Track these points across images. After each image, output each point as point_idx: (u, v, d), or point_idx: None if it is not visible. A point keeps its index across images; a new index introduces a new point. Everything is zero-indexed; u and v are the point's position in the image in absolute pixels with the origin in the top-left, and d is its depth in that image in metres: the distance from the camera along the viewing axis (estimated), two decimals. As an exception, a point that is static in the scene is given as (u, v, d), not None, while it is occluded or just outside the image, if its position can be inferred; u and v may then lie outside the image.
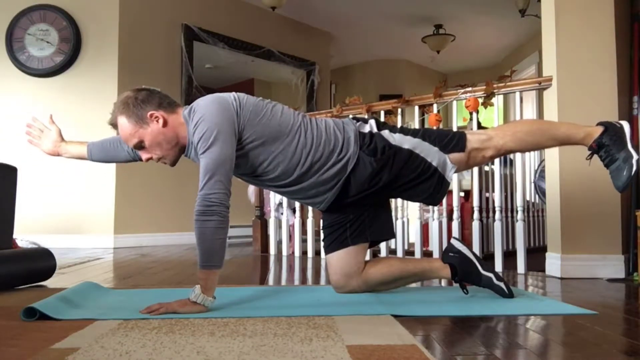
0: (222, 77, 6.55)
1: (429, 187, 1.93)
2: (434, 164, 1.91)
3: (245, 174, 1.92)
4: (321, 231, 2.30)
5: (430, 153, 1.92)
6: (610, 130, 1.91)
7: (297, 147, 1.85)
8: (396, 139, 1.93)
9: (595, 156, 1.95)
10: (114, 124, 1.87)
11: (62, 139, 2.22)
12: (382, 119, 3.59)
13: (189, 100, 5.18)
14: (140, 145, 1.85)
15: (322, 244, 2.40)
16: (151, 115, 1.81)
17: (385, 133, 1.95)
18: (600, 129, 1.92)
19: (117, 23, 4.81)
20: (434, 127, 3.34)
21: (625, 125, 1.92)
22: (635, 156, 1.87)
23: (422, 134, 1.96)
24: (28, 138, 2.25)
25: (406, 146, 1.91)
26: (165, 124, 1.82)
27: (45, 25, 4.74)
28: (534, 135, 1.98)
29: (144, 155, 1.88)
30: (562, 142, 2.02)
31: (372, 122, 1.99)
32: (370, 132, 1.94)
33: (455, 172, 1.96)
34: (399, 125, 3.53)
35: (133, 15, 4.95)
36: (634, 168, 1.86)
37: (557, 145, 2.09)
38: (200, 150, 1.73)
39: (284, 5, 5.68)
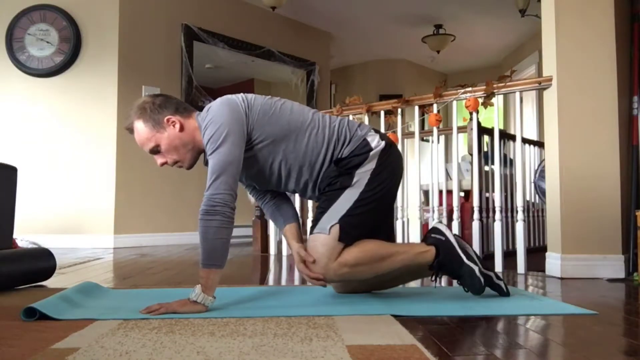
0: (222, 77, 6.54)
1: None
2: (331, 206, 1.86)
3: (258, 177, 1.91)
4: (312, 218, 2.29)
5: (340, 206, 1.85)
6: (442, 249, 1.92)
7: (307, 146, 1.86)
8: (362, 176, 1.87)
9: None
10: (130, 129, 1.88)
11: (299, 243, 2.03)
12: (382, 119, 3.59)
13: (189, 101, 5.19)
14: (156, 150, 1.86)
15: (309, 230, 2.39)
16: (168, 120, 1.83)
17: (369, 166, 1.88)
18: (433, 251, 1.92)
19: (117, 23, 4.81)
20: (436, 130, 3.34)
21: (450, 236, 1.94)
22: (475, 269, 1.91)
23: (360, 209, 1.85)
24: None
25: (353, 181, 1.86)
26: (182, 128, 1.84)
27: (45, 25, 4.74)
28: (372, 260, 1.87)
29: (159, 160, 1.89)
30: (403, 267, 1.94)
31: (382, 145, 1.92)
32: (369, 148, 1.90)
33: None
34: (399, 126, 3.53)
35: (133, 15, 4.95)
36: (482, 279, 1.91)
37: (399, 269, 1.96)
38: (209, 151, 1.74)
39: (284, 5, 5.68)
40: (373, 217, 1.92)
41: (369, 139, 1.92)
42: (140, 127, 1.85)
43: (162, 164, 1.90)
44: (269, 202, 2.11)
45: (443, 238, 1.96)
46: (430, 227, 2.10)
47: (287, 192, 2.11)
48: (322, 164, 1.89)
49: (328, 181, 1.90)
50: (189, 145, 1.86)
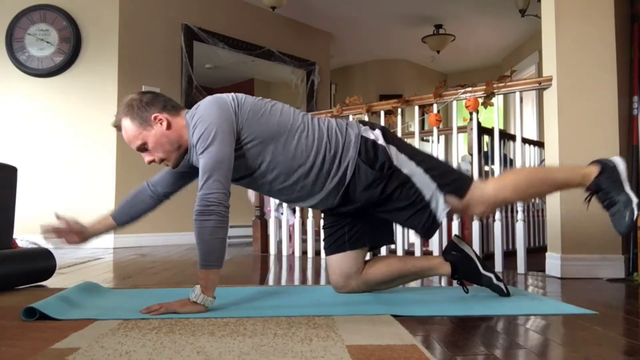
0: (222, 77, 6.55)
1: (418, 218, 1.88)
2: (427, 198, 1.86)
3: (244, 176, 1.89)
4: (321, 230, 2.30)
5: (427, 187, 1.86)
6: (607, 171, 1.90)
7: (296, 148, 1.84)
8: (399, 160, 1.88)
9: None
10: (118, 126, 1.87)
11: (82, 226, 2.06)
12: (382, 119, 3.59)
13: (188, 101, 5.19)
14: (143, 148, 1.85)
15: (322, 243, 2.40)
16: (155, 118, 1.82)
17: (393, 150, 1.89)
18: (596, 170, 1.91)
19: (117, 23, 4.81)
20: (436, 130, 3.34)
21: (620, 164, 1.92)
22: (635, 200, 1.88)
23: (427, 165, 1.89)
24: (52, 245, 2.10)
25: (405, 171, 1.87)
26: (169, 126, 1.83)
27: (45, 25, 4.74)
28: (534, 186, 1.96)
29: (147, 158, 1.88)
30: (561, 187, 2.02)
31: (379, 132, 1.92)
32: (375, 142, 1.89)
33: (448, 213, 1.90)
34: (399, 126, 3.53)
35: (133, 15, 4.95)
36: (635, 213, 1.87)
37: (558, 191, 2.09)
38: (199, 150, 1.73)
39: (284, 5, 5.68)
40: (435, 159, 1.99)
41: (365, 135, 1.91)
42: (128, 125, 1.84)
43: (150, 162, 1.89)
44: (147, 192, 2.13)
45: (460, 254, 2.01)
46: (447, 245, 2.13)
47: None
48: (312, 167, 1.85)
49: (378, 193, 1.86)
50: (175, 143, 1.85)
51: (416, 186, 1.86)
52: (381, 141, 1.89)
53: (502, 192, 1.91)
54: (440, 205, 1.86)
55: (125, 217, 2.12)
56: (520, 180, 1.96)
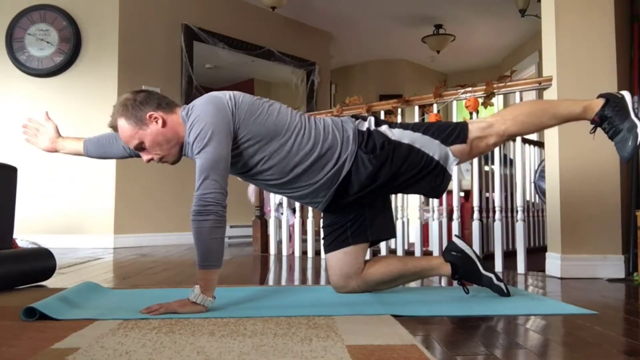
0: (222, 77, 6.55)
1: (430, 180, 1.92)
2: (436, 157, 1.90)
3: (242, 173, 1.92)
4: (321, 231, 2.30)
5: (431, 146, 1.90)
6: (612, 101, 1.89)
7: (293, 147, 1.84)
8: (395, 133, 1.91)
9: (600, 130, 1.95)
10: (114, 127, 1.87)
11: (59, 135, 2.25)
12: (382, 119, 3.59)
13: (188, 101, 5.15)
14: (140, 147, 1.85)
15: (322, 243, 2.40)
16: (150, 116, 1.81)
17: (383, 128, 1.93)
18: (601, 102, 1.91)
19: (117, 23, 4.81)
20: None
21: (627, 95, 1.91)
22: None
23: (423, 127, 1.94)
24: (25, 137, 2.26)
25: (405, 141, 1.90)
26: (164, 124, 1.82)
27: (45, 25, 4.74)
28: (535, 117, 1.97)
29: (145, 157, 1.88)
30: (564, 119, 2.00)
31: (371, 119, 1.97)
32: (369, 129, 1.93)
33: (457, 163, 1.95)
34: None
35: (133, 15, 4.95)
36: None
37: (560, 123, 2.07)
38: (196, 150, 1.72)
39: (284, 5, 5.68)
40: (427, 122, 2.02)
41: (360, 127, 1.94)
42: (123, 125, 1.84)
43: (148, 161, 1.89)
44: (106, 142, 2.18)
45: (460, 254, 2.01)
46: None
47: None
48: (309, 166, 1.86)
49: (392, 171, 1.90)
50: (172, 141, 1.84)
51: (422, 150, 1.90)
52: (373, 127, 1.94)
53: (502, 123, 1.94)
54: (450, 158, 1.91)
55: (96, 152, 2.24)
56: (520, 112, 1.98)
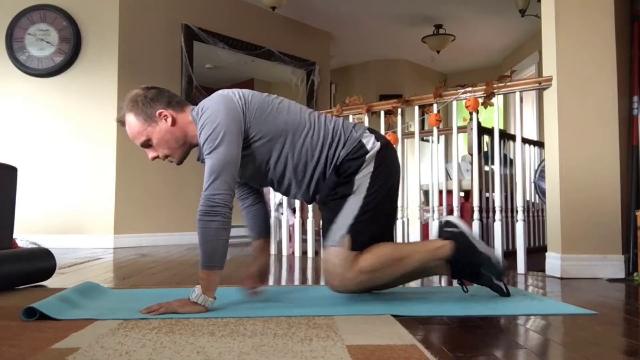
0: (222, 77, 6.54)
1: (327, 230, 1.89)
2: (338, 221, 1.86)
3: (254, 173, 1.91)
4: (321, 231, 2.29)
5: (346, 216, 1.85)
6: (457, 242, 1.90)
7: (303, 145, 1.85)
8: (361, 180, 1.87)
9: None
10: (122, 121, 1.86)
11: (258, 267, 2.13)
12: (382, 119, 3.59)
13: (188, 100, 5.18)
14: (147, 144, 1.84)
15: (322, 243, 2.39)
16: (160, 114, 1.81)
17: (368, 168, 1.88)
18: (449, 246, 1.89)
19: (117, 23, 4.81)
20: (436, 130, 3.34)
21: (463, 227, 1.92)
22: (492, 255, 1.92)
23: (367, 212, 1.86)
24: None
25: (353, 189, 1.86)
26: (174, 122, 1.82)
27: (45, 25, 4.74)
28: (389, 266, 1.88)
29: (151, 154, 1.87)
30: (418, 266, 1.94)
31: (377, 145, 1.91)
32: (365, 150, 1.89)
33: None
34: (399, 126, 3.53)
35: (133, 15, 4.95)
36: (501, 264, 1.93)
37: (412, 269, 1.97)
38: (206, 151, 1.72)
39: (284, 5, 5.68)
40: (380, 221, 1.92)
41: (364, 140, 1.91)
42: (132, 121, 1.83)
43: (154, 158, 1.88)
44: (249, 207, 2.11)
45: (457, 230, 1.94)
46: (439, 222, 2.08)
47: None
48: (317, 165, 1.87)
49: (327, 191, 1.89)
50: (180, 140, 1.84)
51: (344, 206, 1.86)
52: (368, 155, 1.89)
53: (363, 261, 1.84)
54: (339, 236, 1.84)
55: (259, 230, 2.14)
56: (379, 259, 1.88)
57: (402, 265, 1.89)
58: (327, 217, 1.91)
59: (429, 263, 1.93)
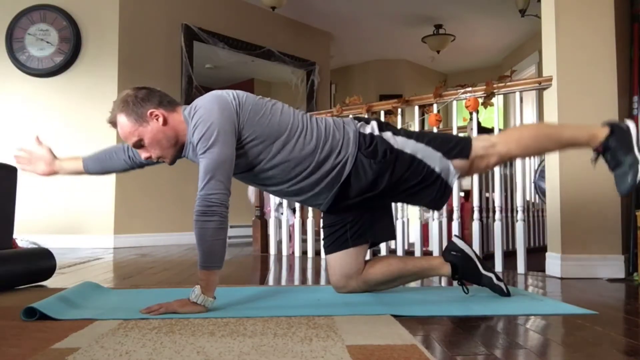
0: (222, 77, 6.55)
1: (431, 192, 1.91)
2: (437, 169, 1.89)
3: (244, 173, 1.90)
4: (321, 231, 2.30)
5: (433, 158, 1.89)
6: (617, 132, 1.88)
7: (295, 147, 1.84)
8: (398, 142, 1.90)
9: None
10: (113, 122, 1.86)
11: (55, 157, 2.16)
12: (382, 119, 3.59)
13: (188, 101, 5.17)
14: (139, 144, 1.84)
15: (322, 243, 2.40)
16: (151, 114, 1.80)
17: (387, 135, 1.91)
18: (606, 131, 1.89)
19: (117, 23, 4.81)
20: (436, 130, 3.34)
21: (632, 127, 1.89)
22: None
23: (426, 138, 1.93)
24: (20, 167, 2.20)
25: (408, 150, 1.89)
26: (165, 122, 1.81)
27: (45, 25, 4.74)
28: (539, 141, 1.97)
29: (143, 154, 1.87)
30: (568, 145, 2.00)
31: (374, 123, 1.95)
32: (371, 134, 1.91)
33: (457, 178, 1.94)
34: (399, 126, 3.53)
35: (133, 15, 4.95)
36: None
37: (562, 149, 2.08)
38: (200, 151, 1.71)
39: (284, 5, 5.68)
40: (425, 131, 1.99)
41: (363, 130, 1.93)
42: (123, 121, 1.82)
43: (147, 159, 1.87)
44: (121, 160, 2.10)
45: (460, 254, 2.01)
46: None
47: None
48: (309, 166, 1.86)
49: (390, 182, 1.89)
50: (172, 140, 1.83)
51: (423, 161, 1.89)
52: (377, 132, 1.92)
53: (505, 145, 1.93)
54: (451, 171, 1.90)
55: (96, 169, 2.16)
56: (524, 135, 1.99)
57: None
58: (411, 186, 1.91)
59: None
